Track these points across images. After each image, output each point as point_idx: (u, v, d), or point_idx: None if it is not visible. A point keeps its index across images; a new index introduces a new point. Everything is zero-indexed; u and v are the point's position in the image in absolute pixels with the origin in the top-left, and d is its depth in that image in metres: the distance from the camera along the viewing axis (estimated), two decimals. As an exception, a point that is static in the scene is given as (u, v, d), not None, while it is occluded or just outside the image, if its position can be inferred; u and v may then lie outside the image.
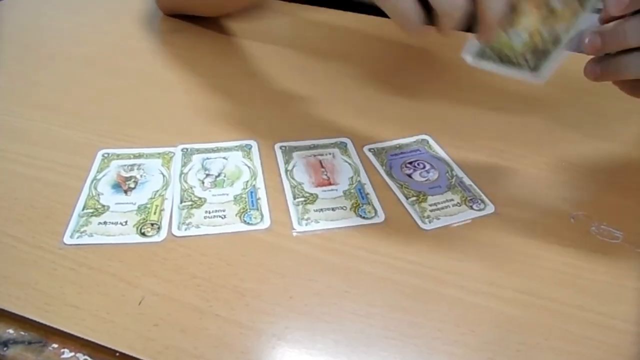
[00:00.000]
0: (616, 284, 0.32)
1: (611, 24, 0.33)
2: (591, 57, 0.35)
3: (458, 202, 0.37)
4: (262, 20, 0.65)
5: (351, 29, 0.64)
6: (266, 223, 0.34)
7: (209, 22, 0.63)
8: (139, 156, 0.40)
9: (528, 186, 0.40)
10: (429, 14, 0.33)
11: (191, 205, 0.36)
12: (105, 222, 0.34)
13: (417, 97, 0.50)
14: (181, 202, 0.36)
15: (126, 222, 0.34)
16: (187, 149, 0.41)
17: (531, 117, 0.48)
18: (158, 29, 0.61)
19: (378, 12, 0.67)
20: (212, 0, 0.60)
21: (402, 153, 0.42)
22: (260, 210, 0.35)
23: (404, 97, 0.50)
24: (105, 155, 0.40)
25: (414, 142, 0.43)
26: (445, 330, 0.28)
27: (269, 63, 0.55)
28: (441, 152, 0.42)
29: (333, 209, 0.36)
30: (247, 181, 0.38)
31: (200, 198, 0.36)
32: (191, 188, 0.37)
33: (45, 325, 0.28)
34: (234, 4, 0.61)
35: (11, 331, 0.28)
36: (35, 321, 0.28)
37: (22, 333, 0.28)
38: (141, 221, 0.34)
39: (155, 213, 0.35)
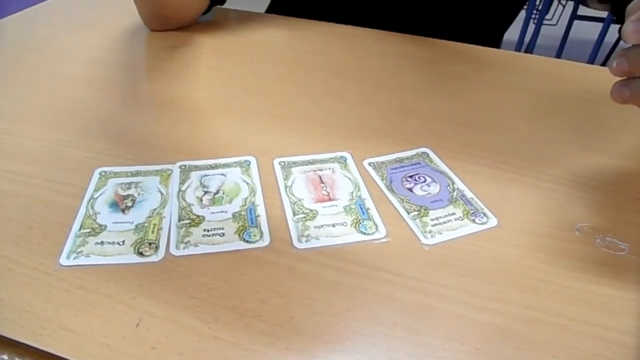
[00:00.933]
0: (623, 297, 0.32)
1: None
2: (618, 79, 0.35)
3: (460, 216, 0.37)
4: (258, 35, 0.65)
5: (349, 41, 0.64)
6: (266, 241, 0.34)
7: (205, 37, 0.63)
8: (137, 174, 0.39)
9: (531, 198, 0.39)
10: None
11: (189, 223, 0.35)
12: (102, 242, 0.33)
13: (416, 110, 0.50)
14: (179, 221, 0.35)
15: (123, 241, 0.34)
16: (185, 166, 0.40)
17: (532, 129, 0.48)
18: (154, 46, 0.61)
19: (376, 24, 0.67)
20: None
21: (402, 167, 0.41)
22: (260, 228, 0.35)
23: (403, 110, 0.50)
24: (103, 173, 0.39)
25: (414, 155, 0.43)
26: (451, 349, 0.28)
27: (266, 78, 0.55)
28: (442, 165, 0.42)
29: (333, 225, 0.35)
30: (246, 198, 0.37)
31: (198, 216, 0.36)
32: (189, 206, 0.37)
33: (40, 350, 0.27)
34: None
35: (5, 357, 0.27)
36: (29, 346, 0.27)
37: (17, 359, 0.27)
38: (139, 240, 0.34)
39: (153, 232, 0.34)
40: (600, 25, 2.05)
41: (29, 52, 0.58)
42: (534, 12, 2.19)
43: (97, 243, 0.33)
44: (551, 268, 0.33)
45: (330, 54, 0.61)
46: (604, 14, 2.12)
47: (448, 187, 0.39)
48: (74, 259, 0.32)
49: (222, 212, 0.36)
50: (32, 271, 0.31)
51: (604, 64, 2.15)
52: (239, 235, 0.34)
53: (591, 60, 2.07)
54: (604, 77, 0.60)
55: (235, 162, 0.41)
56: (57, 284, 0.30)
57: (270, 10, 0.81)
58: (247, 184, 0.39)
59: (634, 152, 0.46)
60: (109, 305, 0.29)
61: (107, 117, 0.46)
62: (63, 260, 0.32)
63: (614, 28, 1.98)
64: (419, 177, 0.40)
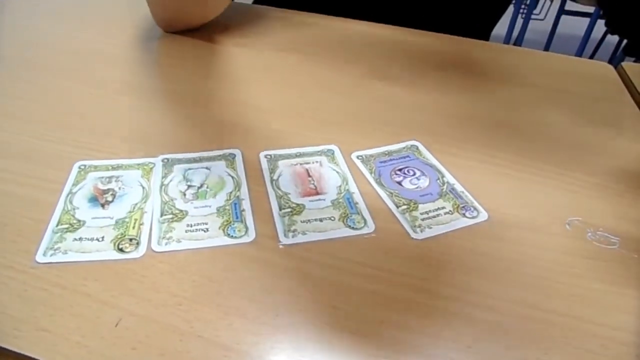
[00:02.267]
0: (615, 292, 0.31)
1: None
2: None
3: (450, 210, 0.36)
4: (245, 26, 0.63)
5: (338, 33, 0.63)
6: (251, 236, 0.33)
7: (189, 29, 0.61)
8: (118, 167, 0.38)
9: (521, 192, 0.39)
10: None
11: (172, 218, 0.34)
12: (80, 238, 0.32)
13: (406, 102, 0.49)
14: (161, 216, 0.34)
15: (103, 237, 0.32)
16: (168, 159, 0.39)
17: (522, 122, 0.47)
18: (139, 37, 0.59)
19: (366, 16, 0.66)
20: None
21: (391, 160, 0.41)
22: (245, 223, 0.34)
23: (392, 102, 0.49)
24: (82, 167, 0.38)
25: (403, 148, 0.42)
26: (441, 347, 0.27)
27: (252, 69, 0.54)
28: (431, 158, 0.41)
29: (321, 220, 0.34)
30: (231, 192, 0.36)
31: (181, 211, 0.34)
32: (172, 200, 0.35)
33: (14, 352, 0.26)
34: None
35: (-24, 359, 0.26)
36: (3, 348, 0.26)
37: (-11, 361, 0.26)
38: (119, 236, 0.32)
39: (134, 227, 0.33)
40: (587, 20, 2.06)
41: (5, 42, 0.56)
42: (522, 6, 2.20)
43: (75, 239, 0.32)
44: (542, 263, 0.33)
45: (319, 46, 0.60)
46: (591, 9, 2.12)
47: (438, 181, 0.39)
48: (51, 256, 0.31)
49: (206, 206, 0.35)
50: (6, 269, 0.30)
51: (591, 57, 2.17)
52: (224, 230, 0.33)
53: (579, 55, 2.08)
54: (592, 71, 0.60)
55: (219, 156, 0.40)
56: (33, 283, 0.29)
57: (258, 1, 0.80)
58: (232, 177, 0.38)
59: (625, 146, 0.45)
60: (87, 304, 0.28)
61: (87, 109, 0.45)
62: (39, 258, 0.31)
63: (600, 23, 1.99)
64: (408, 171, 0.40)
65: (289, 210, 0.35)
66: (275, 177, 0.38)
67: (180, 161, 0.39)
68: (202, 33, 0.60)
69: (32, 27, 0.60)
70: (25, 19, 0.62)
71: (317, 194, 0.37)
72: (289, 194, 0.36)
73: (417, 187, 0.38)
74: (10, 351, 0.26)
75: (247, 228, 0.33)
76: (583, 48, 2.10)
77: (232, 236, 0.33)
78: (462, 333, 0.28)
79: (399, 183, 0.38)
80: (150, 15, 0.60)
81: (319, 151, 0.41)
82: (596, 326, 0.29)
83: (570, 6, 2.17)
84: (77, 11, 0.65)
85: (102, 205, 0.35)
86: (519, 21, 2.15)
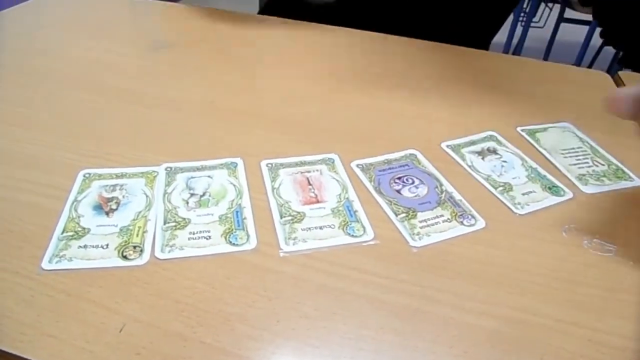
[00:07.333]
0: (611, 298, 0.32)
1: None
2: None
3: (448, 218, 0.37)
4: (248, 36, 0.64)
5: (338, 43, 0.64)
6: (252, 243, 0.33)
7: (193, 38, 0.62)
8: (122, 176, 0.39)
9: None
10: None
11: (175, 226, 0.34)
12: (85, 246, 0.33)
13: (405, 111, 0.50)
14: (165, 223, 0.35)
15: (107, 245, 0.33)
16: (171, 168, 0.40)
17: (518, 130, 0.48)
18: (141, 46, 0.60)
19: (366, 26, 0.67)
20: None
21: (390, 168, 0.41)
22: (246, 231, 0.34)
23: (391, 111, 0.50)
24: (87, 175, 0.39)
25: (402, 156, 0.43)
26: (439, 352, 0.28)
27: (254, 78, 0.55)
28: (430, 167, 0.42)
29: (321, 228, 0.35)
30: (233, 200, 0.37)
31: (184, 219, 0.35)
32: (175, 208, 0.36)
33: (20, 357, 0.26)
34: None
35: (-16, 364, 0.26)
36: (9, 353, 0.26)
37: (-5, 366, 0.26)
38: (123, 244, 0.33)
39: (137, 235, 0.34)
40: (586, 27, 2.07)
41: (10, 51, 0.57)
42: (522, 14, 2.21)
43: (80, 246, 0.33)
44: (539, 269, 0.33)
45: (320, 56, 0.60)
46: (589, 16, 2.14)
47: (436, 189, 0.39)
48: (57, 262, 0.31)
49: (208, 214, 0.36)
50: (12, 275, 0.30)
51: (590, 65, 2.18)
52: (225, 238, 0.34)
53: (578, 62, 2.09)
54: (589, 79, 0.61)
55: (221, 164, 0.40)
56: (39, 289, 0.30)
57: (263, 12, 0.81)
58: (234, 186, 0.38)
59: (622, 154, 0.46)
60: (91, 310, 0.29)
61: (91, 117, 0.46)
62: (45, 264, 0.31)
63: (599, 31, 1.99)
64: (407, 179, 0.40)
65: (290, 218, 0.36)
66: (276, 186, 0.39)
67: (183, 170, 0.40)
68: (205, 43, 0.61)
69: (34, 36, 0.61)
70: (28, 29, 0.63)
71: (318, 202, 0.37)
72: (290, 202, 0.37)
73: (415, 196, 0.39)
74: (16, 356, 0.26)
75: (248, 236, 0.34)
76: (582, 55, 2.11)
77: (234, 244, 0.33)
78: (460, 338, 0.28)
79: (398, 191, 0.39)
80: (153, 26, 0.60)
81: (319, 160, 0.42)
82: (591, 331, 0.29)
83: (569, 14, 2.18)
84: (79, 21, 0.66)
85: (107, 213, 0.35)
86: (519, 29, 2.16)
